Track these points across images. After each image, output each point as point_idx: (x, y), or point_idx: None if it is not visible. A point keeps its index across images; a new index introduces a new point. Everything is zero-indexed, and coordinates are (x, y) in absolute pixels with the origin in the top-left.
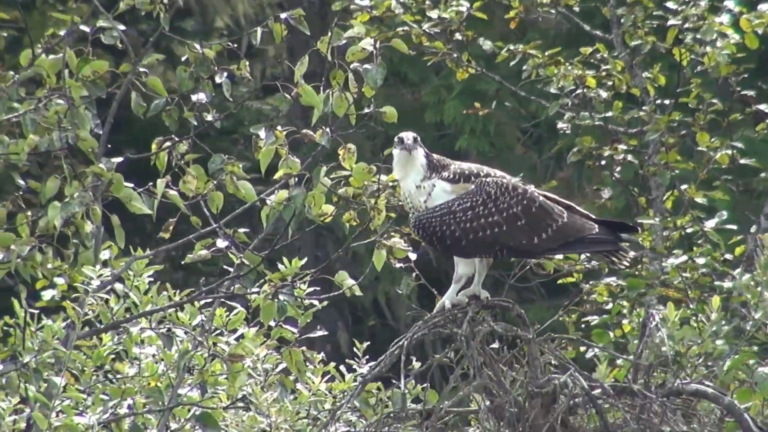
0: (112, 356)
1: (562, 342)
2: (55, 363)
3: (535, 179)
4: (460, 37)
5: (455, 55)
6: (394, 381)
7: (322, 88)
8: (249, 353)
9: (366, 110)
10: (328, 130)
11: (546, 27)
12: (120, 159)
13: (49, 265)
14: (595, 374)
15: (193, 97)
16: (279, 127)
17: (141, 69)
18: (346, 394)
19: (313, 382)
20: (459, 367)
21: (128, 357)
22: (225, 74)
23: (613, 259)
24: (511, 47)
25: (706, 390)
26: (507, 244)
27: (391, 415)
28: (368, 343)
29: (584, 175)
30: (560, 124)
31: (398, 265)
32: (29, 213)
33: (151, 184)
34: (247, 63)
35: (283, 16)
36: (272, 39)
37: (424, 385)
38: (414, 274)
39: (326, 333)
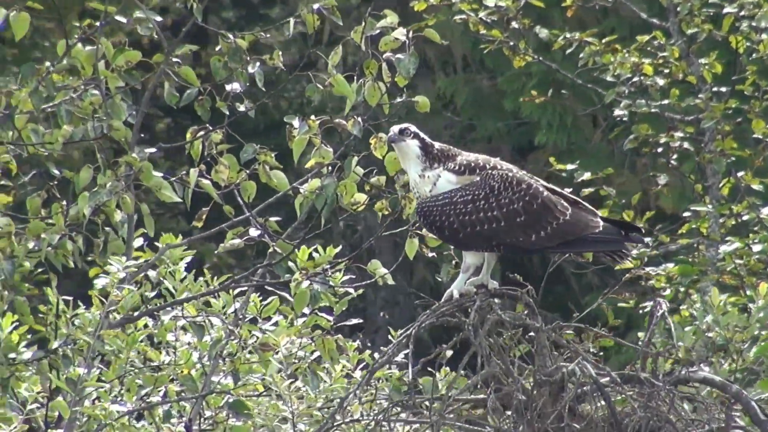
0: (147, 344)
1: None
2: (86, 351)
3: (614, 167)
4: (516, 26)
5: (511, 43)
6: (429, 369)
7: (356, 77)
8: (276, 344)
9: (398, 99)
10: (359, 119)
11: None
12: (153, 149)
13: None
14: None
15: (228, 87)
16: (313, 117)
17: (174, 59)
18: (382, 382)
19: (334, 371)
20: (467, 355)
21: (162, 345)
22: (257, 64)
23: (615, 257)
24: (567, 35)
25: (714, 378)
26: (504, 241)
27: (401, 403)
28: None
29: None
30: (617, 112)
31: (430, 255)
32: (64, 202)
33: (184, 173)
34: (281, 53)
35: (315, 6)
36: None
37: (460, 372)
38: (454, 262)
39: (361, 321)
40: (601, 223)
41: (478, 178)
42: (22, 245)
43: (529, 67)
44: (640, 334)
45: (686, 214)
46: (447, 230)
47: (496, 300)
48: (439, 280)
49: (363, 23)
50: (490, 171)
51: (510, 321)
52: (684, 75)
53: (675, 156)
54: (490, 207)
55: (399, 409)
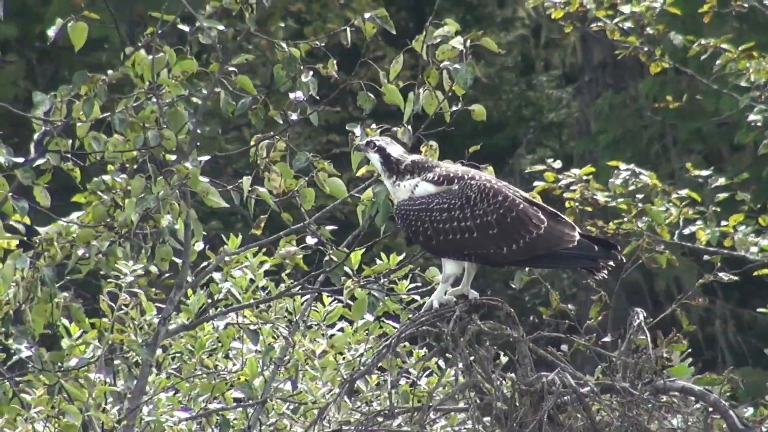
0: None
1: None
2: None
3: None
4: (651, 32)
5: (645, 49)
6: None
7: (416, 86)
8: (337, 349)
9: (455, 108)
10: (409, 127)
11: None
12: (207, 157)
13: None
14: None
15: (291, 95)
16: (373, 125)
17: (230, 68)
18: (445, 388)
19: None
20: (447, 365)
21: (217, 351)
22: (311, 73)
23: (592, 271)
24: (702, 41)
25: (693, 387)
26: (475, 251)
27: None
28: None
29: None
30: (751, 117)
31: None
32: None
33: (240, 181)
34: (335, 62)
35: (367, 15)
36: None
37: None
38: (527, 269)
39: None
40: (578, 237)
41: (456, 187)
42: (72, 252)
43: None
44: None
45: None
46: (421, 236)
47: (477, 310)
48: (513, 287)
49: (424, 32)
50: (468, 181)
51: (489, 331)
52: None
53: None
54: (464, 217)
55: (381, 419)
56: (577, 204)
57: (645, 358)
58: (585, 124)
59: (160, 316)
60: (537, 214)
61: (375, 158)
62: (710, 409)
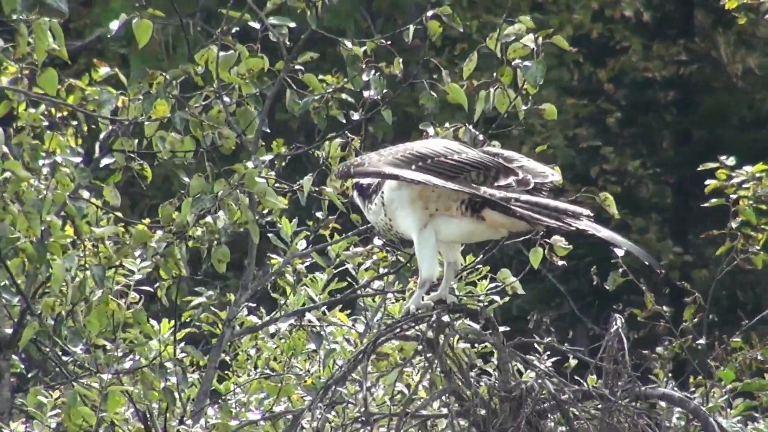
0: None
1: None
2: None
3: None
4: None
5: None
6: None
7: (491, 84)
8: (405, 353)
9: (524, 107)
10: (470, 127)
11: None
12: (270, 156)
13: None
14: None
15: (365, 94)
16: (446, 124)
17: (296, 66)
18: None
19: None
20: (425, 372)
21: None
22: (373, 72)
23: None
24: None
25: (673, 394)
26: None
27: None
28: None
29: None
30: None
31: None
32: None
33: (301, 181)
34: (401, 61)
35: (429, 13)
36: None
37: None
38: (621, 270)
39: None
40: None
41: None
42: (129, 253)
43: None
44: None
45: None
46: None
47: (455, 315)
48: (607, 288)
49: (498, 30)
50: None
51: (465, 335)
52: None
53: None
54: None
55: (359, 425)
56: (751, 202)
57: (623, 363)
58: None
59: (226, 317)
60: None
61: (354, 195)
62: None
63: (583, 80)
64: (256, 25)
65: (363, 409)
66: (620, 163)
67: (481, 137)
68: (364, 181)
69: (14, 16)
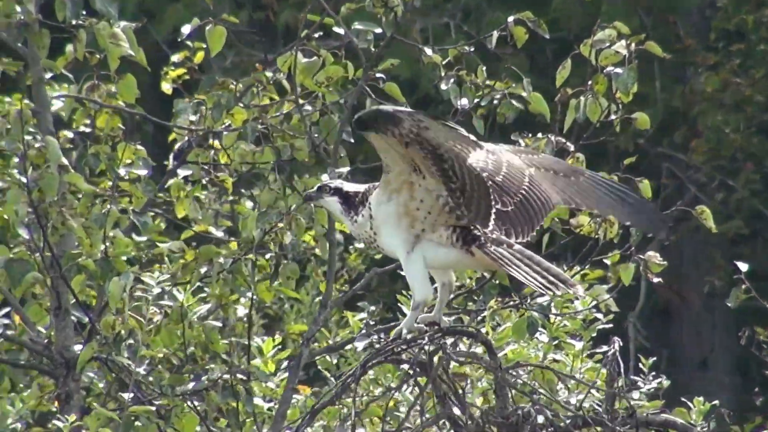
0: None
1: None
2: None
3: None
4: None
5: None
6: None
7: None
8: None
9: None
10: (552, 137)
11: None
12: (347, 168)
13: None
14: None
15: (457, 103)
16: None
17: (377, 74)
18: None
19: None
20: (417, 399)
21: None
22: (451, 80)
23: None
24: None
25: (675, 420)
26: None
27: None
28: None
29: None
30: None
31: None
32: None
33: None
34: (484, 68)
35: (510, 19)
36: None
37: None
38: (744, 287)
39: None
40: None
41: None
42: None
43: None
44: None
45: None
46: None
47: (449, 338)
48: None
49: (591, 36)
50: None
51: (457, 358)
52: None
53: None
54: None
55: None
56: None
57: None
58: None
59: (304, 336)
60: None
61: (333, 201)
62: None
63: None
64: (341, 31)
65: None
66: None
67: (572, 147)
68: (350, 189)
69: (73, 22)
